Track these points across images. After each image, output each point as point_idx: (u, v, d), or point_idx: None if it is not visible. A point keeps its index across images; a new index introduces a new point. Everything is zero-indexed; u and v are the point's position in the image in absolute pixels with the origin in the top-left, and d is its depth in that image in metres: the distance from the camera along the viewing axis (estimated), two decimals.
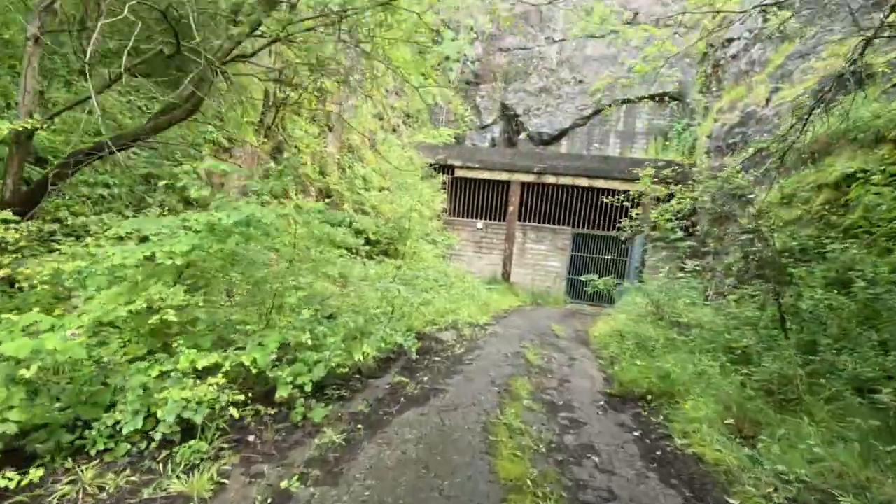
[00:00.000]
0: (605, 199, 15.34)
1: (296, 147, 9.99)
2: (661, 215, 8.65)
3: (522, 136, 17.47)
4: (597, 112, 17.03)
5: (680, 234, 8.12)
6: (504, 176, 15.72)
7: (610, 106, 16.56)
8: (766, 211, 7.27)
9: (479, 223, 16.09)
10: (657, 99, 16.82)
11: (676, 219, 8.79)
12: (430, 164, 16.09)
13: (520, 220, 16.13)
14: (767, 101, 11.37)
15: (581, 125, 17.13)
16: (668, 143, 15.70)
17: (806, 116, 6.87)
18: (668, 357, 5.29)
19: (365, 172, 11.72)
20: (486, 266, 16.13)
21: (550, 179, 15.39)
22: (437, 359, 5.80)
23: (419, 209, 11.72)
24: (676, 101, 16.13)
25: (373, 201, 10.26)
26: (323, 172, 10.78)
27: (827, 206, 6.16)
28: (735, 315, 5.96)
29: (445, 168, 16.19)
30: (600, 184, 15.10)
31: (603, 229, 15.79)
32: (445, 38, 18.01)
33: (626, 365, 5.59)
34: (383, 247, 10.99)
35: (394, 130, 15.95)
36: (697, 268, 11.46)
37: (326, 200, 10.81)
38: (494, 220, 16.31)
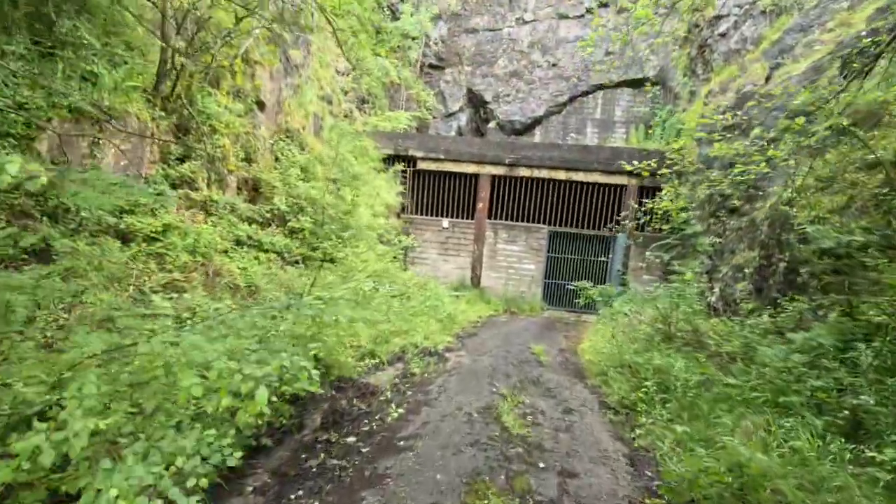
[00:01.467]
0: (584, 194, 13.97)
1: (210, 126, 8.03)
2: (672, 202, 7.06)
3: (492, 124, 15.95)
4: (573, 98, 15.67)
5: (697, 227, 6.57)
6: (472, 168, 14.11)
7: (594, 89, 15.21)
8: (796, 197, 5.85)
9: (445, 222, 14.42)
10: (637, 85, 15.58)
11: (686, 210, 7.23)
12: (389, 156, 14.32)
13: (490, 217, 14.56)
14: (767, 78, 10.15)
15: (556, 112, 15.73)
16: (651, 131, 14.46)
17: (851, 78, 5.46)
18: (724, 417, 3.63)
19: (305, 161, 9.84)
20: (453, 270, 14.47)
21: (524, 172, 13.88)
22: (349, 439, 3.76)
23: (371, 204, 9.93)
24: (658, 87, 14.92)
25: (311, 194, 8.41)
26: (250, 159, 8.85)
27: (887, 190, 4.74)
28: (790, 339, 4.45)
29: (406, 159, 14.46)
30: (579, 177, 13.69)
31: (582, 227, 14.40)
32: (404, 14, 16.19)
33: (659, 430, 3.89)
34: (327, 250, 9.13)
35: (345, 117, 14.10)
36: (695, 270, 10.15)
37: (254, 193, 8.85)
38: (462, 217, 14.68)
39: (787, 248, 5.78)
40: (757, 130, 8.91)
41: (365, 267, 8.84)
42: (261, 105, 9.70)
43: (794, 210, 5.80)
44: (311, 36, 13.24)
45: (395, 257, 10.86)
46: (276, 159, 9.54)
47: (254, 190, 8.72)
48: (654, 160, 13.47)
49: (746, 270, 7.62)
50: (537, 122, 15.79)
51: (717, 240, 10.14)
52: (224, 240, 7.21)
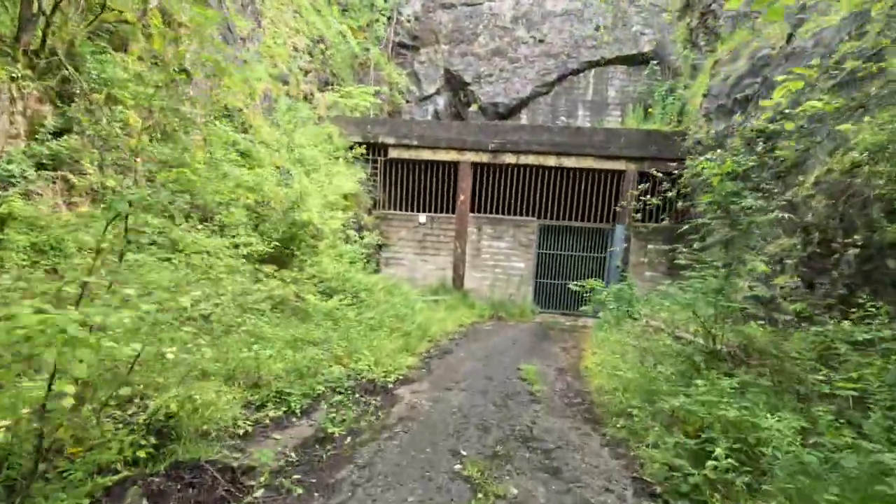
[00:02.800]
0: (577, 182, 12.51)
1: (109, 95, 6.39)
2: (718, 167, 5.59)
3: (473, 108, 14.46)
4: (562, 77, 14.23)
5: (751, 199, 5.09)
6: (451, 155, 12.59)
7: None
8: (865, 162, 4.39)
9: (422, 217, 12.88)
10: (632, 62, 14.18)
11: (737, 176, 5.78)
12: (357, 143, 12.75)
13: (473, 211, 13.05)
14: (789, 37, 8.74)
15: (543, 93, 14.29)
16: (650, 110, 13.06)
17: None
18: None
19: (246, 144, 8.22)
20: (432, 271, 12.93)
21: (509, 159, 12.40)
22: None
23: (325, 195, 8.35)
24: (656, 63, 13.54)
25: (246, 182, 6.81)
26: (170, 138, 7.21)
27: None
28: None
29: (376, 147, 12.91)
30: (571, 162, 12.25)
31: (575, 219, 12.96)
32: None
33: None
34: (273, 250, 7.51)
35: (306, 99, 12.50)
36: (714, 263, 8.72)
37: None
38: (441, 212, 13.15)
39: (861, 229, 4.31)
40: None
41: (318, 270, 7.25)
42: (186, 76, 8.06)
43: (863, 179, 4.33)
44: (262, 4, 11.65)
45: (358, 259, 9.27)
46: (207, 141, 7.92)
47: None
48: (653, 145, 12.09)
49: (788, 261, 6.16)
50: (523, 103, 14.34)
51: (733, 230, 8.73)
52: (116, 238, 5.55)
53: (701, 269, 8.98)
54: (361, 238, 9.50)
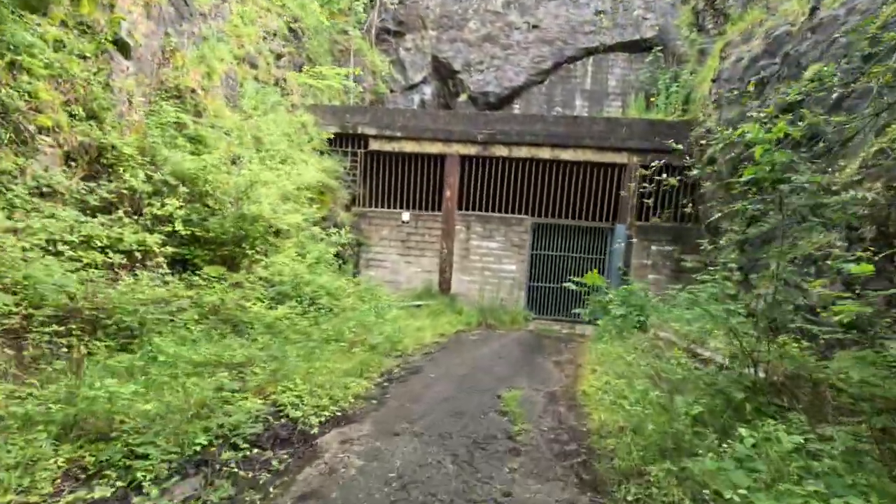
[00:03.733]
0: (574, 177, 11.52)
1: (9, 60, 5.39)
2: (761, 131, 4.57)
3: (462, 97, 13.48)
4: (558, 65, 13.26)
5: (809, 175, 4.10)
6: (437, 147, 11.60)
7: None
8: None
9: (405, 214, 11.87)
10: (633, 49, 13.23)
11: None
12: (335, 135, 11.75)
13: (461, 208, 12.06)
14: (812, 10, 7.78)
15: (538, 82, 13.33)
16: (653, 98, 12.11)
17: None
18: None
19: (198, 130, 7.20)
20: (416, 274, 11.92)
21: (500, 151, 11.41)
22: None
23: (285, 187, 7.33)
24: (659, 49, 12.59)
25: (186, 169, 5.79)
26: (97, 117, 6.18)
27: None
28: None
29: (355, 139, 11.91)
30: (568, 155, 11.27)
31: (572, 217, 11.98)
32: None
33: None
34: (221, 248, 6.49)
35: (277, 85, 11.47)
36: (730, 265, 7.77)
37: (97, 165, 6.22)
38: (426, 209, 12.15)
39: None
40: (817, 67, 6.55)
41: (273, 272, 6.22)
42: (123, 48, 7.04)
43: None
44: None
45: (324, 260, 8.24)
46: (149, 124, 6.88)
47: (96, 161, 6.03)
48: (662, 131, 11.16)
49: (829, 262, 5.14)
50: (516, 93, 13.37)
51: (739, 232, 7.75)
52: None
53: (718, 271, 7.99)
54: (328, 236, 8.45)
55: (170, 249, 5.68)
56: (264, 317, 4.96)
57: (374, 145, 11.86)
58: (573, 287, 6.46)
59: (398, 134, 11.70)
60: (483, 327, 10.32)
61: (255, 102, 9.83)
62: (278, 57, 11.86)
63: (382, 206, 12.40)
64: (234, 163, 7.15)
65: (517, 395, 4.72)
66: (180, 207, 5.93)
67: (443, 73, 13.91)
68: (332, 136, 11.83)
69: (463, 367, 5.81)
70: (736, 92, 9.19)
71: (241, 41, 10.71)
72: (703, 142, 9.92)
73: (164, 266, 5.82)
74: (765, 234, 7.70)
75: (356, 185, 12.04)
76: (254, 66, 10.82)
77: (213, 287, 5.61)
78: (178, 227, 5.92)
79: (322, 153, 11.62)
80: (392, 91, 13.93)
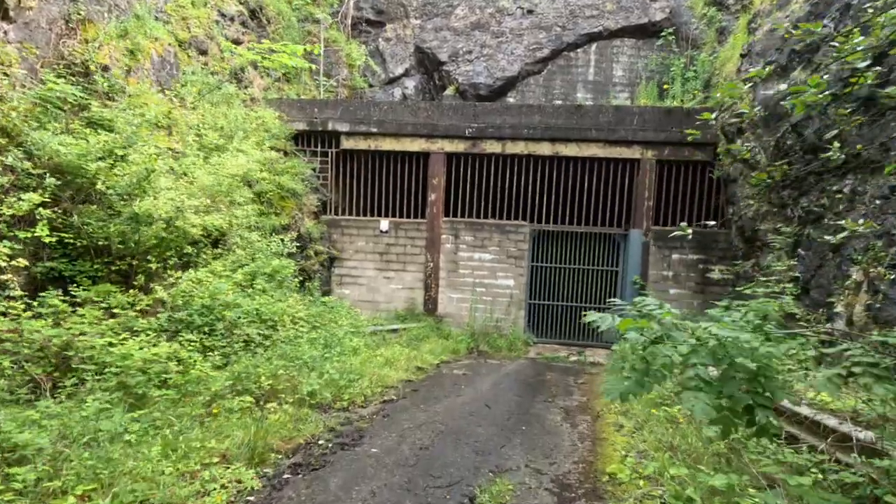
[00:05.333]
0: (579, 176, 9.91)
1: None
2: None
3: (449, 90, 11.99)
4: (556, 53, 11.78)
5: None
6: (419, 144, 10.06)
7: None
8: None
9: (384, 223, 10.26)
10: (642, 34, 11.77)
11: None
12: (301, 132, 10.24)
13: (448, 214, 10.46)
14: None
15: (535, 73, 11.85)
16: (667, 86, 10.57)
17: None
18: None
19: (103, 114, 5.61)
20: (397, 292, 10.26)
21: (493, 147, 9.86)
22: None
23: (202, 182, 5.71)
24: (670, 33, 11.11)
25: (60, 155, 4.18)
26: None
27: None
28: None
29: (325, 136, 10.38)
30: (571, 150, 9.72)
31: (578, 223, 10.36)
32: None
33: None
34: (119, 262, 4.86)
35: (236, 77, 9.96)
36: (778, 276, 6.15)
37: None
38: (408, 216, 10.55)
39: None
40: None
41: (179, 292, 4.56)
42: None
43: None
44: None
45: (276, 275, 6.60)
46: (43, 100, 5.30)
47: None
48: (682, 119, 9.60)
49: None
50: (510, 84, 11.88)
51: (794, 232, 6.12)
52: None
53: (766, 283, 6.31)
54: (267, 245, 6.79)
55: (44, 263, 4.03)
56: (124, 358, 3.31)
57: (347, 143, 10.30)
58: (594, 322, 4.75)
59: (374, 130, 10.16)
60: (474, 355, 8.61)
61: (197, 91, 8.28)
62: (236, 44, 10.37)
63: (357, 214, 10.79)
64: (159, 157, 5.53)
65: (506, 488, 3.03)
66: (43, 205, 4.29)
67: (427, 64, 12.45)
68: (298, 134, 10.30)
69: (429, 430, 4.14)
70: (774, 65, 7.61)
71: (188, 23, 9.24)
72: (734, 129, 8.35)
73: (16, 286, 4.15)
74: (832, 233, 6.04)
75: (327, 189, 10.45)
76: (203, 52, 9.33)
77: (68, 316, 3.95)
78: (42, 231, 4.27)
79: (285, 153, 10.06)
80: (371, 85, 12.45)
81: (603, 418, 4.49)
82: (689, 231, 4.43)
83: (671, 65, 10.93)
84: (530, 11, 12.11)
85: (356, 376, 4.94)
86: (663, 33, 11.30)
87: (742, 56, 8.40)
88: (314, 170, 10.40)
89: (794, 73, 7.13)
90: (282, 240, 7.20)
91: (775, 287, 6.33)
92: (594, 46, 11.88)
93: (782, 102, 7.18)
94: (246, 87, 10.19)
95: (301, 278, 9.16)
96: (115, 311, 4.18)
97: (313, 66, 11.15)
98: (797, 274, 6.12)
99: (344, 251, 10.46)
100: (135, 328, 4.12)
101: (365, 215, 10.72)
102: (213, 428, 3.23)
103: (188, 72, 8.59)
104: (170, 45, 8.44)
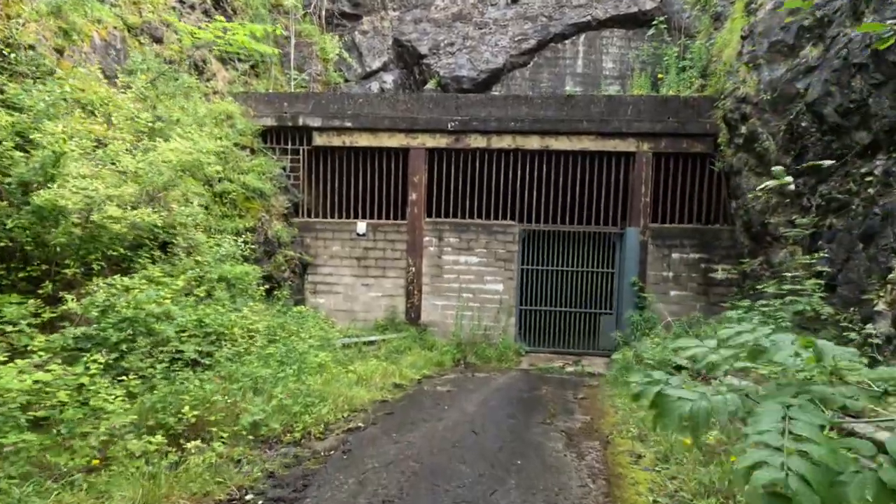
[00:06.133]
0: (571, 171, 9.21)
1: None
2: None
3: (430, 84, 11.30)
4: (543, 44, 11.15)
5: None
6: (398, 140, 9.31)
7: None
8: None
9: (361, 225, 9.45)
10: (632, 24, 11.21)
11: None
12: (270, 128, 9.44)
13: (430, 215, 9.71)
14: None
15: (521, 65, 11.22)
16: (660, 76, 9.98)
17: None
18: None
19: (19, 95, 4.73)
20: (376, 300, 9.44)
21: (477, 142, 9.15)
22: None
23: (129, 170, 4.85)
24: (661, 22, 10.55)
25: None
26: None
27: None
28: None
29: (296, 132, 9.59)
30: (561, 144, 9.05)
31: (570, 222, 9.65)
32: None
33: None
34: (33, 267, 3.93)
35: (197, 68, 9.14)
36: (794, 273, 5.47)
37: None
38: (387, 217, 9.75)
39: None
40: None
41: (92, 303, 3.70)
42: None
43: None
44: None
45: (237, 281, 5.76)
46: None
47: None
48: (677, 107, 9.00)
49: None
50: (494, 77, 11.22)
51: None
52: None
53: (791, 281, 5.60)
54: (216, 246, 5.92)
55: None
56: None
57: (320, 140, 9.51)
58: (693, 355, 3.89)
59: (349, 124, 9.38)
60: (461, 368, 7.80)
61: (146, 79, 7.43)
62: (194, 31, 9.53)
63: (332, 216, 9.97)
64: (72, 139, 4.66)
65: None
66: None
67: (407, 58, 11.74)
68: (267, 130, 9.48)
69: (398, 471, 3.24)
70: (781, 45, 7.00)
71: (139, 7, 8.41)
72: (737, 115, 7.73)
73: None
74: (861, 222, 5.38)
75: (298, 189, 9.62)
76: (157, 40, 8.49)
77: None
78: None
79: (252, 151, 9.23)
80: (347, 81, 11.70)
81: (614, 444, 3.72)
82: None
83: (664, 54, 10.36)
84: (514, 1, 11.49)
85: (316, 399, 4.11)
86: (654, 22, 10.75)
87: (743, 38, 7.80)
88: (284, 169, 9.58)
89: (805, 50, 6.52)
90: (235, 240, 6.33)
91: (794, 284, 5.64)
92: (582, 37, 11.29)
93: (794, 82, 6.58)
94: (208, 80, 9.36)
95: (268, 286, 8.31)
96: (4, 327, 3.32)
97: (276, 51, 10.33)
98: (823, 269, 5.42)
99: (318, 256, 9.61)
100: (28, 347, 3.26)
101: (340, 217, 9.90)
102: (96, 486, 2.39)
103: (139, 60, 7.74)
104: (116, 28, 7.61)
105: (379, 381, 5.57)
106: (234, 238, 6.38)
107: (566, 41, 11.29)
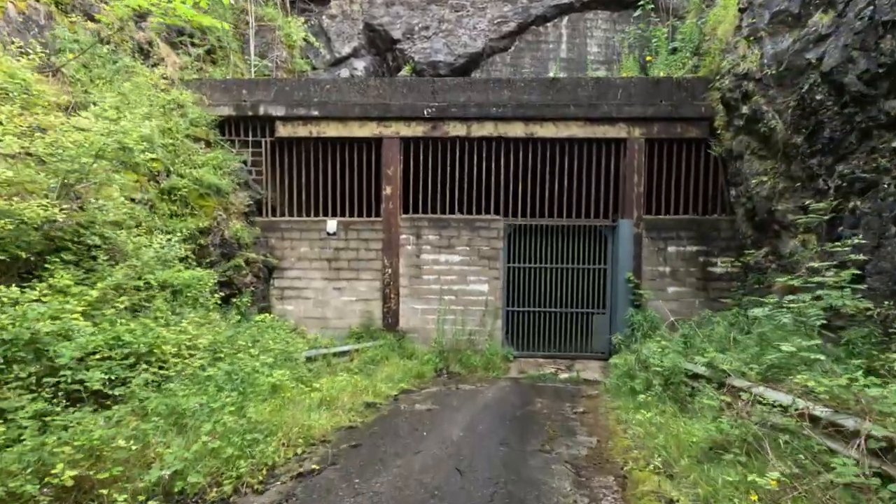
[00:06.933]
0: (558, 160, 8.49)
1: None
2: None
3: (405, 71, 10.50)
4: (524, 27, 10.45)
5: None
6: (370, 129, 8.49)
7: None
8: None
9: (331, 223, 8.61)
10: (617, 6, 10.58)
11: None
12: (227, 118, 8.54)
13: (407, 210, 8.92)
14: None
15: (501, 49, 10.51)
16: (649, 59, 9.35)
17: None
18: None
19: None
20: (350, 305, 8.61)
21: (457, 130, 8.40)
22: None
23: (62, 157, 3.95)
24: (650, 2, 9.94)
25: None
26: None
27: None
28: None
29: (257, 123, 8.70)
30: (547, 131, 8.35)
31: (558, 215, 8.97)
32: None
33: None
34: None
35: (143, 52, 8.18)
36: (812, 263, 4.83)
37: None
38: (359, 214, 8.92)
39: None
40: None
41: None
42: None
43: None
44: None
45: (185, 287, 4.89)
46: None
47: None
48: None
49: None
50: (473, 62, 10.49)
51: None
52: None
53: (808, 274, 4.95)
54: (143, 249, 5.01)
55: None
56: None
57: (284, 130, 8.63)
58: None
59: (315, 113, 8.52)
60: (444, 378, 7.03)
61: (73, 56, 6.47)
62: (141, 16, 8.57)
63: (300, 214, 9.09)
64: None
65: None
66: None
67: (379, 43, 10.92)
68: (224, 120, 8.57)
69: None
70: (784, 15, 6.40)
71: None
72: (738, 94, 7.11)
73: None
74: (892, 203, 4.74)
75: (261, 185, 8.72)
76: (90, 17, 7.51)
77: None
78: None
79: (208, 143, 8.31)
80: (314, 68, 10.83)
81: (633, 481, 2.99)
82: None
83: (652, 36, 9.75)
84: None
85: (261, 434, 3.29)
86: (641, 3, 10.13)
87: (741, 10, 7.20)
88: (245, 163, 8.69)
89: (814, 18, 5.90)
90: (169, 239, 5.43)
91: (812, 276, 5.00)
92: (565, 20, 10.62)
93: (803, 53, 5.95)
94: (155, 65, 8.40)
95: (226, 293, 7.41)
96: None
97: (228, 26, 9.41)
98: (849, 258, 4.77)
99: (284, 259, 8.72)
100: None
101: (308, 215, 9.03)
102: None
103: (67, 38, 6.77)
104: (39, 1, 6.62)
105: (348, 401, 4.76)
106: (168, 238, 5.45)
107: (548, 24, 10.61)
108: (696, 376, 4.39)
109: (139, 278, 5.06)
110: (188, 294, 5.82)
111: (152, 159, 6.32)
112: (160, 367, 3.64)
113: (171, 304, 5.56)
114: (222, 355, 4.32)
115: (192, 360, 4.06)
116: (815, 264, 4.81)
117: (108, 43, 7.68)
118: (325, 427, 3.97)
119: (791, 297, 4.47)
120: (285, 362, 5.19)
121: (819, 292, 4.26)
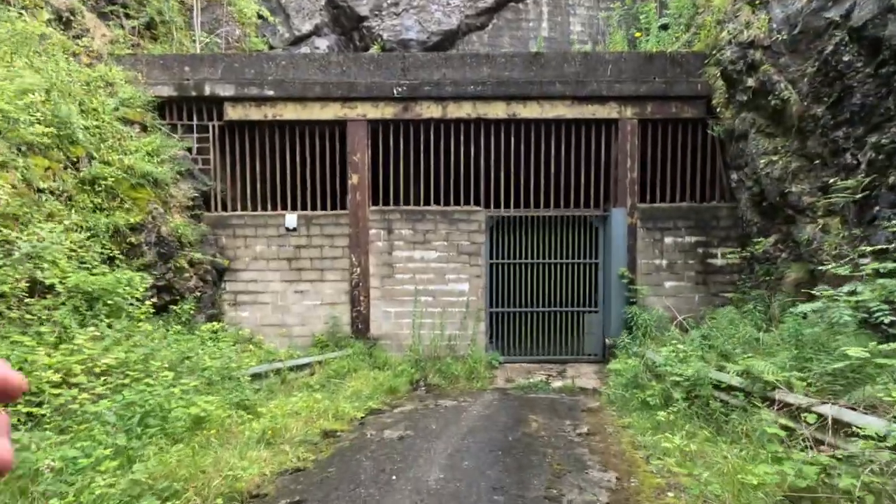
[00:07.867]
0: (543, 143, 7.63)
1: None
2: None
3: (373, 50, 9.52)
4: (502, 4, 9.60)
5: None
6: (333, 110, 7.52)
7: None
8: None
9: (291, 218, 7.59)
10: None
11: None
12: (168, 99, 7.42)
13: (376, 202, 7.98)
14: None
15: (478, 27, 9.63)
16: (639, 35, 8.62)
17: None
18: None
19: None
20: (313, 310, 7.61)
21: (431, 111, 7.50)
22: None
23: None
24: None
25: None
26: None
27: None
28: None
29: (203, 104, 7.62)
30: (531, 111, 7.53)
31: (545, 205, 8.16)
32: None
33: None
34: None
35: (61, 20, 7.01)
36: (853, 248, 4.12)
37: None
38: (322, 208, 7.94)
39: None
40: None
41: None
42: None
43: None
44: None
45: (104, 293, 3.83)
46: None
47: None
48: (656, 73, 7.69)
49: None
50: (448, 41, 9.61)
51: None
52: None
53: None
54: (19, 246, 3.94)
55: None
56: None
57: (234, 113, 7.57)
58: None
59: (270, 93, 7.50)
60: (421, 392, 6.10)
61: None
62: None
63: (254, 208, 8.04)
64: None
65: None
66: None
67: (344, 21, 9.93)
68: (164, 102, 7.45)
69: None
70: None
71: None
72: (742, 66, 6.39)
73: None
74: None
75: (209, 176, 7.63)
76: None
77: None
78: None
79: (144, 127, 7.19)
80: (272, 47, 9.76)
81: None
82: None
83: (640, 13, 9.03)
84: None
85: (154, 499, 2.32)
86: None
87: None
88: (189, 150, 7.60)
89: None
90: (52, 231, 4.33)
91: (840, 265, 4.26)
92: None
93: (821, 13, 5.24)
94: (78, 37, 7.23)
95: (164, 300, 6.33)
96: None
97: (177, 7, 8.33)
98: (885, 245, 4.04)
99: (237, 259, 7.66)
100: None
101: (265, 209, 7.98)
102: None
103: None
104: None
105: (299, 431, 3.81)
106: (51, 229, 4.34)
107: (528, 0, 9.81)
108: (727, 388, 3.59)
109: (35, 282, 4.01)
110: (109, 302, 4.77)
111: (63, 138, 5.22)
112: (24, 406, 2.63)
113: (85, 314, 4.51)
114: (127, 381, 3.31)
115: (82, 389, 3.03)
116: (857, 250, 4.06)
117: (21, 9, 6.49)
118: (260, 473, 2.99)
119: (847, 288, 3.69)
120: (223, 383, 4.18)
121: (880, 282, 3.49)
